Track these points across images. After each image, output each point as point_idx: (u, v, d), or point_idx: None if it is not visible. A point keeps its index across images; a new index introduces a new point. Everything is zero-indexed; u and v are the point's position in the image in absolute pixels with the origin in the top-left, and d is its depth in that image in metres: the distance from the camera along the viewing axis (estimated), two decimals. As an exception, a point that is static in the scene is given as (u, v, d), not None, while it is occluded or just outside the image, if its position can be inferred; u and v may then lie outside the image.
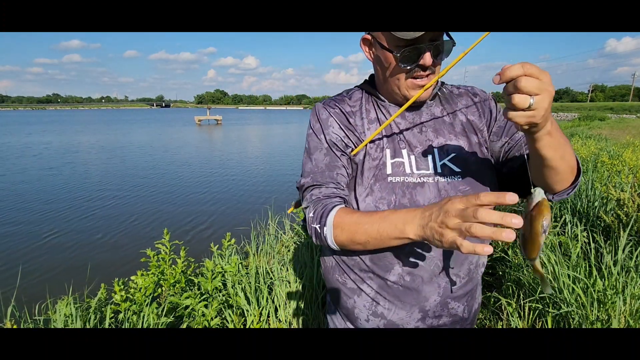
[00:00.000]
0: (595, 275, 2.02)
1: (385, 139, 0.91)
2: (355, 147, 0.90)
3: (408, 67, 0.81)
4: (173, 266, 2.59)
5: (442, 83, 0.98)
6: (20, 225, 6.55)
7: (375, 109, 0.94)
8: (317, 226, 0.84)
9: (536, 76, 0.55)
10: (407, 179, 0.86)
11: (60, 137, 26.46)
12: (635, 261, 2.12)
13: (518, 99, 0.56)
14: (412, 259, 0.87)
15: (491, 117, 0.94)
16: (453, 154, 0.89)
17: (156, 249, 2.61)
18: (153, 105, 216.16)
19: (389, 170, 0.87)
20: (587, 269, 2.14)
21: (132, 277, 2.35)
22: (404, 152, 0.89)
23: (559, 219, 3.04)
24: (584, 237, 2.51)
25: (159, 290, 2.43)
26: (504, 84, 0.58)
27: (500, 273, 2.78)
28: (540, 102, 0.57)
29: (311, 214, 0.86)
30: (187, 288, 2.55)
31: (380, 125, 0.92)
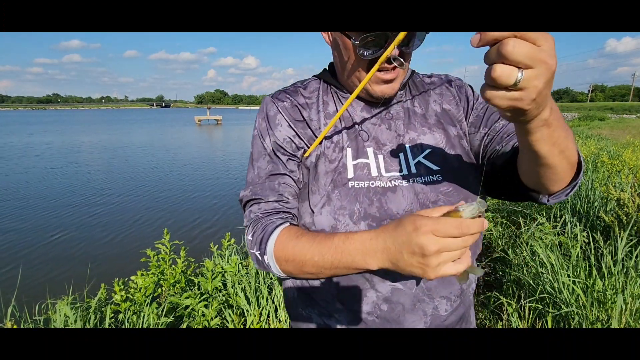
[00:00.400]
0: (595, 275, 2.02)
1: (345, 136, 0.76)
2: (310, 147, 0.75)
3: (369, 58, 0.67)
4: (173, 266, 2.59)
5: (413, 72, 0.83)
6: (21, 225, 6.55)
7: (334, 102, 0.79)
8: (257, 253, 0.71)
9: (532, 40, 0.39)
10: (373, 184, 0.72)
11: (62, 137, 26.51)
12: (635, 261, 2.12)
13: (500, 71, 0.40)
14: (389, 283, 0.71)
15: (468, 106, 0.81)
16: (428, 150, 0.76)
17: (156, 249, 2.62)
18: (153, 105, 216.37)
19: (350, 174, 0.73)
20: (587, 269, 2.14)
21: (132, 277, 2.35)
22: (370, 151, 0.75)
23: (559, 219, 3.05)
24: (583, 237, 2.51)
25: (159, 290, 2.43)
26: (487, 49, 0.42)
27: (501, 273, 2.78)
28: (532, 79, 0.41)
29: (250, 237, 0.73)
30: (187, 288, 2.55)
31: (340, 120, 0.78)
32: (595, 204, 3.09)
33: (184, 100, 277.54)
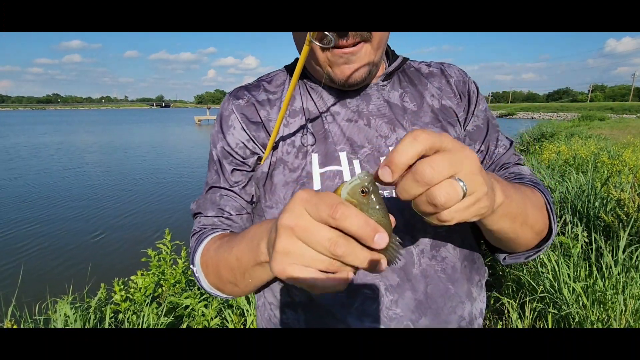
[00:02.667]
0: (596, 276, 2.02)
1: (311, 138, 0.64)
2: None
3: (314, 32, 0.49)
4: (174, 266, 2.59)
5: (405, 59, 0.70)
6: (22, 225, 6.55)
7: (301, 95, 0.67)
8: (191, 266, 0.64)
9: (438, 147, 0.36)
10: None
11: (72, 137, 26.65)
12: (635, 261, 2.12)
13: (445, 195, 0.34)
14: (366, 321, 0.58)
15: (469, 108, 0.68)
16: None
17: (157, 249, 2.62)
18: (153, 105, 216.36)
19: (316, 185, 0.60)
20: (588, 269, 2.14)
21: (132, 277, 2.36)
22: (343, 155, 0.62)
23: (559, 219, 3.05)
24: (584, 237, 2.51)
25: (159, 290, 2.44)
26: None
27: (500, 273, 2.78)
28: (474, 178, 0.37)
29: (189, 251, 0.66)
30: (188, 288, 2.55)
31: (305, 117, 0.65)
32: (596, 204, 3.09)
33: (183, 100, 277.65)
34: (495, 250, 0.64)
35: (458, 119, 0.68)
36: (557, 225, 0.59)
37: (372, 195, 0.36)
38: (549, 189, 3.61)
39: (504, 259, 0.62)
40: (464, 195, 0.36)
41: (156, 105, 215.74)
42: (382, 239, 0.33)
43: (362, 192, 0.36)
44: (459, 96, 0.68)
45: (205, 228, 0.65)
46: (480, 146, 0.68)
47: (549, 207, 0.59)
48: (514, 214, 0.49)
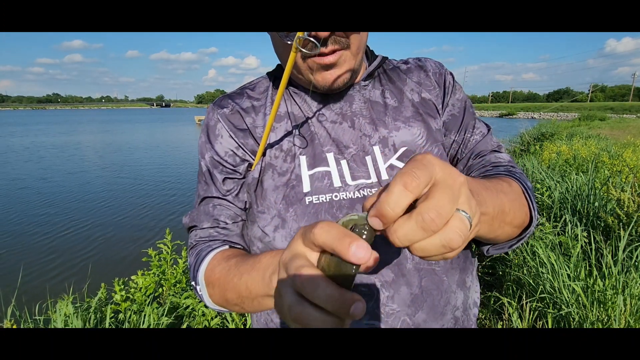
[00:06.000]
0: (596, 275, 2.02)
1: (298, 141, 0.65)
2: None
3: (289, 42, 0.53)
4: (174, 266, 2.59)
5: (384, 58, 0.72)
6: (22, 225, 6.55)
7: (285, 101, 0.68)
8: (193, 284, 0.63)
9: (430, 183, 0.32)
10: (337, 196, 0.60)
11: (91, 136, 26.84)
12: (635, 261, 2.12)
13: (457, 236, 0.31)
14: (364, 318, 0.59)
15: (444, 98, 0.69)
16: (403, 148, 0.64)
17: (158, 249, 2.62)
18: (153, 105, 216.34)
19: (306, 187, 0.61)
20: (587, 269, 2.14)
21: (133, 277, 2.36)
22: (330, 157, 0.63)
23: (559, 219, 3.04)
24: (584, 237, 2.51)
25: (160, 290, 2.44)
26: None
27: (500, 273, 2.78)
28: (473, 206, 0.34)
29: (189, 267, 0.65)
30: (188, 288, 2.55)
31: (291, 121, 0.66)
32: (596, 204, 3.08)
33: (184, 100, 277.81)
34: (478, 243, 0.64)
35: (438, 112, 0.69)
36: (538, 213, 0.60)
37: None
38: (548, 189, 3.62)
39: (487, 250, 0.62)
40: (470, 226, 0.33)
41: (156, 105, 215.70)
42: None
43: (353, 229, 0.33)
44: (439, 87, 0.70)
45: (202, 240, 0.65)
46: (456, 136, 0.69)
47: (527, 196, 0.59)
48: (491, 220, 0.48)
